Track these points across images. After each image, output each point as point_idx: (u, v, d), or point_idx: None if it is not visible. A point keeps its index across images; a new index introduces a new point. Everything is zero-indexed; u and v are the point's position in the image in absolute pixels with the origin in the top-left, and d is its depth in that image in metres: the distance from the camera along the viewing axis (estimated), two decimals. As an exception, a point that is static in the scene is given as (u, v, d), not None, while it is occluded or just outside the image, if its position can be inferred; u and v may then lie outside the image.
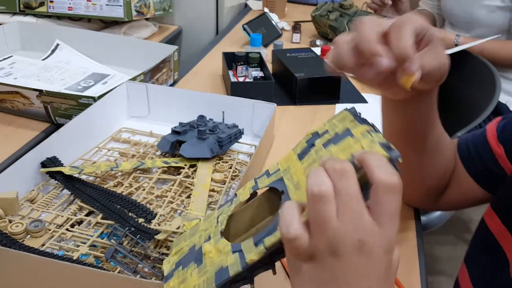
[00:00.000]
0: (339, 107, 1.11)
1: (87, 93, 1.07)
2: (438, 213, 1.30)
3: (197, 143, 0.80)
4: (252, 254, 0.39)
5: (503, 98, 1.43)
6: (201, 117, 0.88)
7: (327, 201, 0.34)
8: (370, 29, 0.45)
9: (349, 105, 1.09)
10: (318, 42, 1.50)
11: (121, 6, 1.28)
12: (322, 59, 1.21)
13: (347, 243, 0.33)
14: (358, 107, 1.10)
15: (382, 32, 0.46)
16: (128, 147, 0.86)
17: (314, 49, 1.31)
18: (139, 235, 0.58)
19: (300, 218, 0.35)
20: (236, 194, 0.49)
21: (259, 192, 0.49)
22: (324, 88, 1.11)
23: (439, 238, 1.81)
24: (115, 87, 0.93)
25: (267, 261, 0.40)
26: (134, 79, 0.98)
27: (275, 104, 0.91)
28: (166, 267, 0.48)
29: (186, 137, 0.81)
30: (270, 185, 0.45)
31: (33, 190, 0.69)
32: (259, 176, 0.48)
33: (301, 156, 0.44)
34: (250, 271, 0.40)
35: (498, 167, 0.62)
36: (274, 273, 0.41)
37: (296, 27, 1.50)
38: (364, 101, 1.14)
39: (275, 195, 0.47)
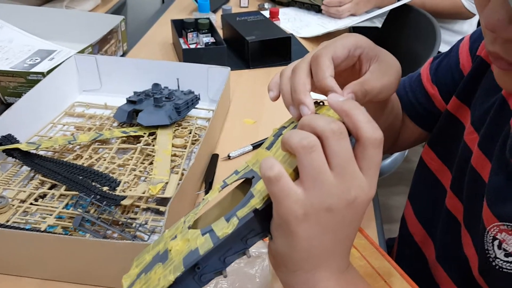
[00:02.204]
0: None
1: (35, 69, 1.04)
2: (389, 160, 1.37)
3: (155, 111, 0.80)
4: (224, 228, 0.37)
5: (444, 48, 1.50)
6: (156, 85, 0.88)
7: (319, 151, 0.35)
8: (301, 76, 0.45)
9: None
10: (266, 5, 1.50)
11: (60, -22, 1.24)
12: (271, 21, 1.22)
13: (343, 200, 0.35)
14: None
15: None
16: (83, 121, 0.85)
17: (262, 12, 1.32)
18: (105, 202, 0.59)
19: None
20: (203, 199, 0.49)
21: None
22: (275, 50, 1.13)
23: (392, 189, 1.90)
24: (63, 61, 0.91)
25: (261, 228, 0.39)
26: (82, 52, 0.96)
27: (229, 68, 0.92)
28: (126, 281, 0.42)
29: (142, 106, 0.81)
30: (240, 177, 0.45)
31: (-9, 169, 0.68)
32: (227, 176, 0.48)
33: (269, 148, 0.46)
34: (243, 240, 0.39)
35: (434, 107, 0.67)
36: (271, 238, 0.40)
37: (243, -9, 1.50)
38: (314, 60, 1.17)
39: (247, 185, 0.48)
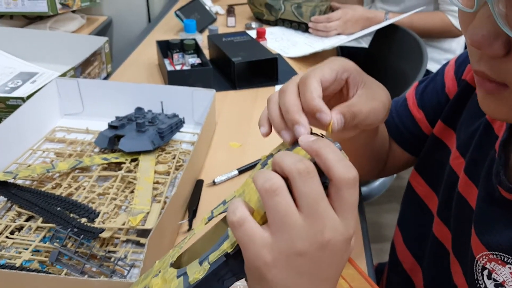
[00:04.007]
0: (279, 88, 1.12)
1: (15, 94, 1.02)
2: (377, 182, 1.36)
3: (137, 136, 0.78)
4: (196, 273, 0.36)
5: (432, 66, 1.51)
6: (139, 109, 0.86)
7: (283, 194, 0.34)
8: (291, 97, 0.44)
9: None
10: (253, 24, 1.50)
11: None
12: (258, 42, 1.21)
13: (315, 242, 0.34)
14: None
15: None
16: (64, 147, 0.83)
17: (249, 32, 1.32)
18: (82, 235, 0.57)
19: (246, 205, 0.35)
20: (191, 229, 0.47)
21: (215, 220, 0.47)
22: (262, 71, 1.12)
23: (384, 206, 1.89)
24: (44, 85, 0.89)
25: (236, 270, 0.37)
26: (64, 75, 0.94)
27: (214, 90, 0.90)
28: None
29: (124, 131, 0.79)
30: (226, 210, 0.44)
31: (-36, 200, 0.65)
32: (215, 206, 0.47)
33: None
34: (220, 281, 0.38)
35: (420, 131, 0.66)
36: (246, 280, 0.38)
37: (230, 11, 1.49)
38: (301, 80, 1.16)
39: None
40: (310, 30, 1.44)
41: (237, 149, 0.89)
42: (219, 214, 0.43)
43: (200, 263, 0.37)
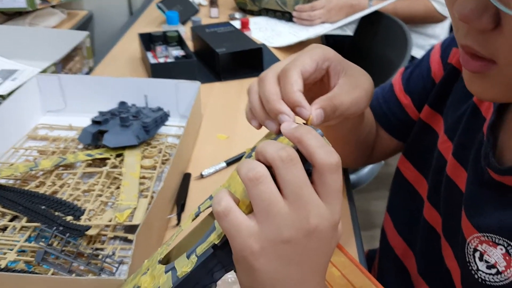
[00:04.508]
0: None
1: (-5, 91, 1.00)
2: (366, 170, 1.36)
3: (121, 131, 0.77)
4: (184, 266, 0.36)
5: (417, 52, 1.51)
6: (122, 103, 0.84)
7: (266, 182, 0.33)
8: (271, 86, 0.44)
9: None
10: (237, 15, 1.48)
11: (22, -6, 1.19)
12: (242, 32, 1.20)
13: (301, 230, 0.33)
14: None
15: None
16: (47, 144, 0.81)
17: (233, 22, 1.30)
18: (68, 234, 0.56)
19: (230, 195, 0.35)
20: (179, 226, 0.46)
21: (202, 215, 0.46)
22: (247, 62, 1.11)
23: (373, 194, 1.90)
24: (24, 82, 0.87)
25: (225, 262, 0.37)
26: (44, 71, 0.92)
27: (199, 82, 0.89)
28: None
29: (108, 126, 0.78)
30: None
31: None
32: (202, 202, 0.46)
33: None
34: (209, 274, 0.37)
35: (407, 117, 0.66)
36: (235, 271, 0.38)
37: (213, 1, 1.47)
38: (287, 70, 1.15)
39: None
40: (294, 19, 1.43)
41: (224, 141, 0.88)
42: (206, 209, 0.42)
43: (188, 256, 0.36)
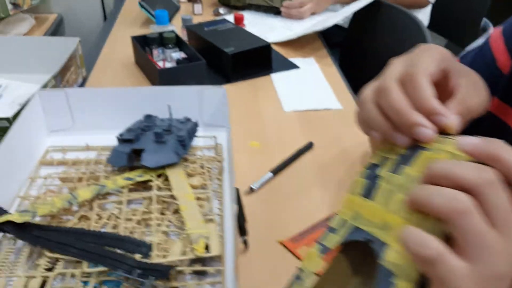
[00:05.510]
0: (276, 77, 1.05)
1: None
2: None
3: (158, 148, 0.69)
4: None
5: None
6: (149, 117, 0.76)
7: (476, 213, 0.29)
8: (398, 95, 0.39)
9: (283, 74, 1.05)
10: (221, 10, 1.41)
11: (-8, -1, 1.05)
12: (244, 29, 1.13)
13: None
14: (292, 73, 1.06)
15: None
16: (67, 170, 0.71)
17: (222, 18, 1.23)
18: (150, 276, 0.48)
19: (431, 234, 0.30)
20: (300, 269, 0.40)
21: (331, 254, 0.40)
22: (256, 60, 1.05)
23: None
24: (28, 100, 0.76)
25: None
26: (45, 86, 0.81)
27: (224, 88, 0.82)
28: None
29: (142, 144, 0.69)
30: (345, 239, 0.38)
31: (-20, 254, 0.53)
32: (322, 237, 0.40)
33: (367, 194, 0.38)
34: None
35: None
36: None
37: (195, -2, 1.39)
38: (295, 66, 1.10)
39: (354, 251, 0.40)
40: (282, 14, 1.38)
41: (257, 148, 0.82)
42: (336, 245, 0.37)
43: None
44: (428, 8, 1.53)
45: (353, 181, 0.40)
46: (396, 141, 0.39)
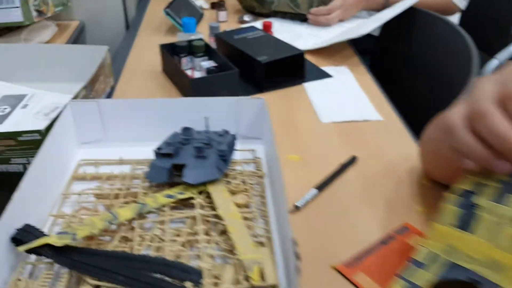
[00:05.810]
0: (309, 86, 1.01)
1: (7, 123, 0.84)
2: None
3: (200, 164, 0.65)
4: None
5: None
6: (187, 129, 0.72)
7: None
8: (501, 121, 0.36)
9: (316, 83, 1.00)
10: (246, 17, 1.38)
11: (18, 7, 1.02)
12: (275, 37, 1.09)
13: None
14: (325, 82, 1.02)
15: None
16: (101, 185, 0.68)
17: (248, 25, 1.19)
18: (206, 309, 0.44)
19: None
20: None
21: None
22: (288, 69, 1.01)
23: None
24: (60, 112, 0.72)
25: None
26: (76, 96, 0.78)
27: (263, 98, 0.78)
28: None
29: (182, 159, 0.66)
30: (441, 277, 0.33)
31: (19, 279, 0.49)
32: (407, 272, 0.36)
33: (463, 226, 0.34)
34: None
35: None
36: None
37: (220, 4, 1.36)
38: (328, 75, 1.06)
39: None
40: (309, 21, 1.34)
41: (297, 162, 0.78)
42: (429, 284, 0.33)
43: None
44: (457, 16, 1.49)
45: (442, 208, 0.36)
46: (497, 168, 0.35)
